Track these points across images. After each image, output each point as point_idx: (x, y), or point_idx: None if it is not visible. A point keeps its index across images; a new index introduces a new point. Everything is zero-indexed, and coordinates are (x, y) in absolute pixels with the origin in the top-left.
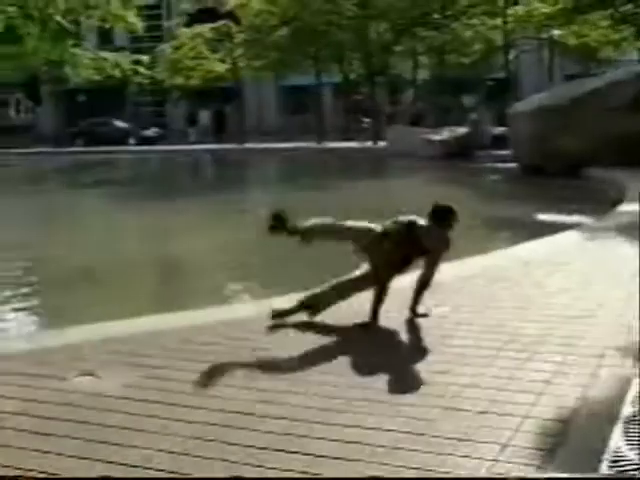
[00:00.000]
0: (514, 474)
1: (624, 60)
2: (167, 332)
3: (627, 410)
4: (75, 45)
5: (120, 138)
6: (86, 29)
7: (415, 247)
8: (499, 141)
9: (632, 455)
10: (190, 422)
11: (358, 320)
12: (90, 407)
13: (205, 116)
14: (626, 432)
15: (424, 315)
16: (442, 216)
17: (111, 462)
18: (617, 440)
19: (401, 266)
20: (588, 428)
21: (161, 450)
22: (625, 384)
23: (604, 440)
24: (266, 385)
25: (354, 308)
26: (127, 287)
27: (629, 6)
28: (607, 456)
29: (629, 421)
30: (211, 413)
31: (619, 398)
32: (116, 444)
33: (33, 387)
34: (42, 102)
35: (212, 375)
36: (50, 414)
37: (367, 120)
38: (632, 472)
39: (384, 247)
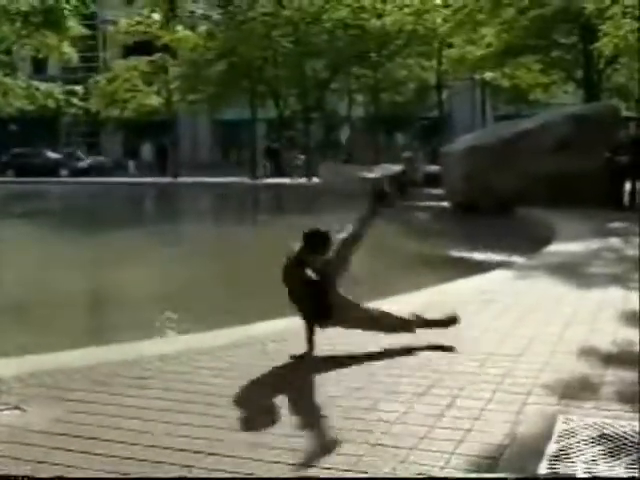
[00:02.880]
0: None
1: (553, 103)
2: (97, 366)
3: (552, 447)
4: (6, 74)
5: (52, 169)
6: (19, 58)
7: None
8: (432, 179)
9: None
10: (109, 456)
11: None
12: (11, 441)
13: (147, 149)
14: (552, 468)
15: None
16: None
17: None
18: (544, 475)
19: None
20: (516, 464)
21: None
22: (551, 421)
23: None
24: (197, 420)
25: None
26: (54, 320)
27: (559, 52)
28: None
29: (554, 457)
30: (130, 447)
31: (545, 435)
32: (31, 478)
33: None
34: None
35: (138, 409)
36: None
37: (301, 156)
38: None
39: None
